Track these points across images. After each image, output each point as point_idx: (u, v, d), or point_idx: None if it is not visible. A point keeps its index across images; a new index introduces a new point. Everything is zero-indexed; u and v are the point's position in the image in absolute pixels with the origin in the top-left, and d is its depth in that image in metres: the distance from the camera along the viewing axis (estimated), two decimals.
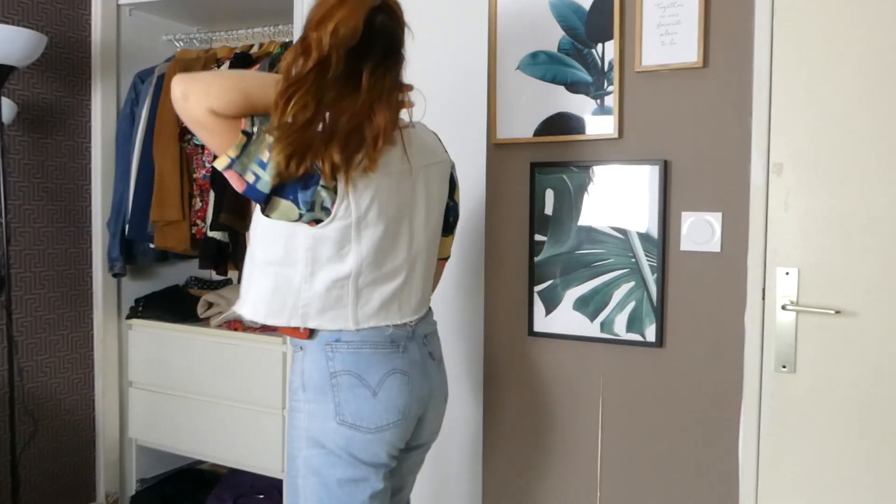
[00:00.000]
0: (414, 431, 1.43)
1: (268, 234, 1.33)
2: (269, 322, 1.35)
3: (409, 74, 1.93)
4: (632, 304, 1.79)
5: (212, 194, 2.45)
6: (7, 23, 2.32)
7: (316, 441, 1.32)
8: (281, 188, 1.20)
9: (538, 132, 1.87)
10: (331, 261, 1.29)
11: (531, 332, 1.92)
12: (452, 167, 1.51)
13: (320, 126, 1.20)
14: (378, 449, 1.33)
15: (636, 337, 1.80)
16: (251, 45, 2.71)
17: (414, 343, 1.40)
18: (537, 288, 1.90)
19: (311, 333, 1.34)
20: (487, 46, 1.94)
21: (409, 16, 1.83)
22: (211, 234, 2.45)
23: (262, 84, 1.21)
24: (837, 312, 1.61)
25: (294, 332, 1.35)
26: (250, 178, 1.19)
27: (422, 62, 1.92)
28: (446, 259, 1.62)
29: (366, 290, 1.33)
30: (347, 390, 1.32)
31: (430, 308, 1.50)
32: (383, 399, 1.33)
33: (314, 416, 1.32)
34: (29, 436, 2.45)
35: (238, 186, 1.21)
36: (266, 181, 1.19)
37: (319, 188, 1.21)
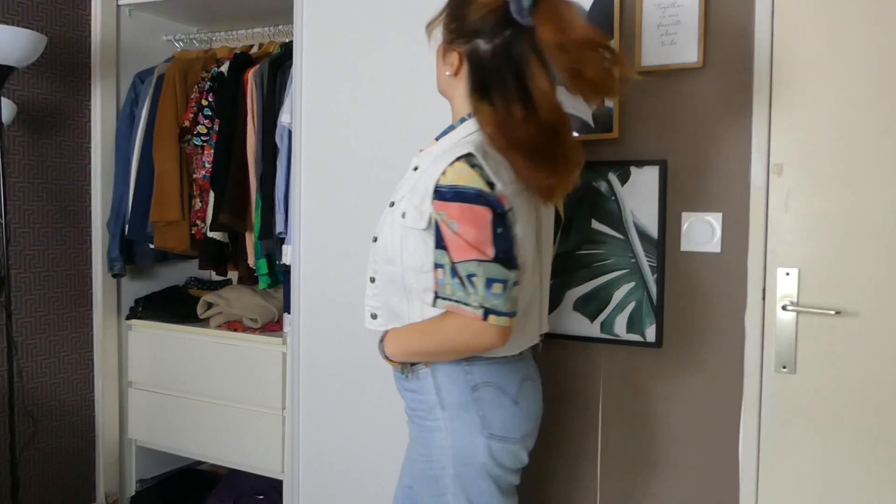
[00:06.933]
0: None
1: None
2: None
3: (409, 77, 1.93)
4: (632, 305, 1.79)
5: (211, 195, 2.45)
6: (7, 23, 2.32)
7: (464, 457, 1.30)
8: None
9: None
10: None
11: None
12: None
13: None
14: (522, 454, 1.35)
15: (636, 337, 1.79)
16: (251, 46, 2.71)
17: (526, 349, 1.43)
18: None
19: None
20: None
21: (409, 17, 1.83)
22: (211, 234, 2.45)
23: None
24: (838, 313, 1.61)
25: None
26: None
27: (422, 64, 1.92)
28: None
29: (522, 313, 1.30)
30: (491, 402, 1.30)
31: None
32: (523, 407, 1.34)
33: (458, 432, 1.29)
34: (29, 436, 2.45)
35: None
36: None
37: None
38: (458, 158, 1.19)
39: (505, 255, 1.19)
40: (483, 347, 1.22)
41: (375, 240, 1.35)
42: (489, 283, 1.17)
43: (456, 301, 1.19)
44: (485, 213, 1.17)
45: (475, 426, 1.29)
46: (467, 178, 1.18)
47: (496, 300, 1.18)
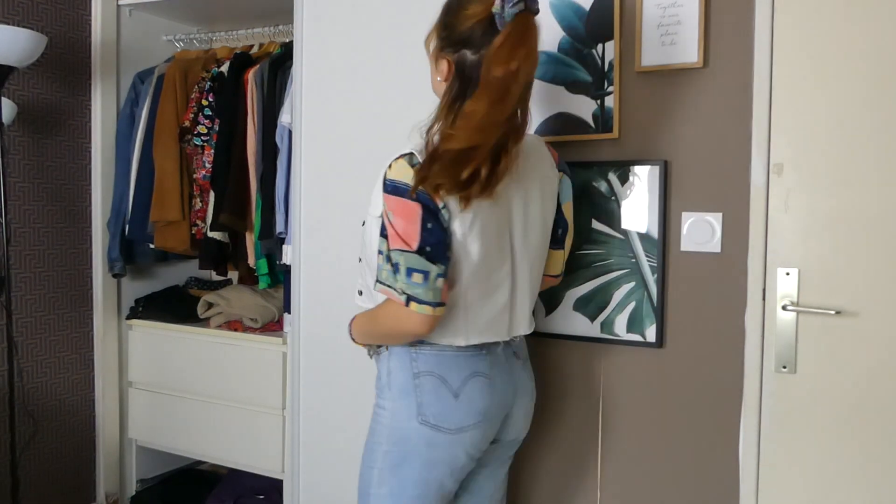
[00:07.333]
0: (500, 428, 1.48)
1: None
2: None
3: (409, 77, 1.93)
4: (632, 305, 1.79)
5: (212, 195, 2.45)
6: (7, 23, 2.32)
7: (398, 438, 1.38)
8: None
9: (538, 132, 1.87)
10: None
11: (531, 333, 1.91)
12: (562, 180, 1.52)
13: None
14: (457, 450, 1.38)
15: (636, 337, 1.79)
16: (251, 46, 2.71)
17: (499, 345, 1.44)
18: None
19: None
20: None
21: (409, 17, 1.83)
22: (211, 234, 2.45)
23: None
24: (838, 313, 1.61)
25: None
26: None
27: (421, 64, 1.92)
28: (557, 276, 1.64)
29: (473, 307, 1.36)
30: (430, 391, 1.37)
31: None
32: (464, 401, 1.37)
33: (397, 414, 1.38)
34: (29, 436, 2.45)
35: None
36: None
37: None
38: (402, 156, 1.29)
39: (432, 248, 1.26)
40: (410, 331, 1.30)
41: (364, 223, 1.47)
42: (409, 272, 1.25)
43: (388, 286, 1.29)
44: (415, 208, 1.25)
45: (412, 411, 1.36)
46: (404, 175, 1.27)
47: (417, 289, 1.25)
